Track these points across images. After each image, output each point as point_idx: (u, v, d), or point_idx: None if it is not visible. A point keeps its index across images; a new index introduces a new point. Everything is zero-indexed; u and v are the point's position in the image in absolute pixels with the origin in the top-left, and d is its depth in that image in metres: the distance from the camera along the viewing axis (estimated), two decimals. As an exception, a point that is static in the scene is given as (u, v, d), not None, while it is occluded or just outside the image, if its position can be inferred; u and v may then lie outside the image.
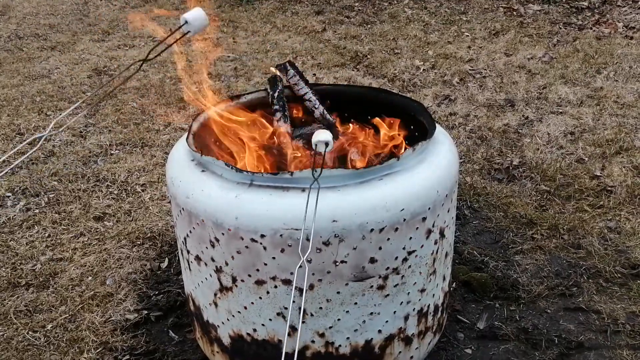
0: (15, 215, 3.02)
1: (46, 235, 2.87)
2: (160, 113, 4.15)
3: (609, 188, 3.09)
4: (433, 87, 4.49)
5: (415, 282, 1.74)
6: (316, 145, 1.49)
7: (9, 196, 3.19)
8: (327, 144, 1.49)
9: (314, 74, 4.77)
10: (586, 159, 3.39)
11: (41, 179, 3.33)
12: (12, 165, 3.07)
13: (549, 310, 2.33)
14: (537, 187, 3.15)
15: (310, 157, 1.85)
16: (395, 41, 5.52)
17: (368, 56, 5.16)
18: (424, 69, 4.85)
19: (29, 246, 2.79)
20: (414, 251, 1.68)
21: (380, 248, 1.60)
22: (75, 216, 3.00)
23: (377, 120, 2.00)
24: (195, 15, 1.69)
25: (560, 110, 4.02)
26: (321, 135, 1.49)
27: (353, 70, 4.93)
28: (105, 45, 5.66)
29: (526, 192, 3.10)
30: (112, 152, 3.64)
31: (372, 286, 1.65)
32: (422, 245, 1.70)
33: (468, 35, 5.62)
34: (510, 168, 3.34)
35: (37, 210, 3.06)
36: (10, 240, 2.83)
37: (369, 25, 5.99)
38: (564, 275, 2.50)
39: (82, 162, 3.52)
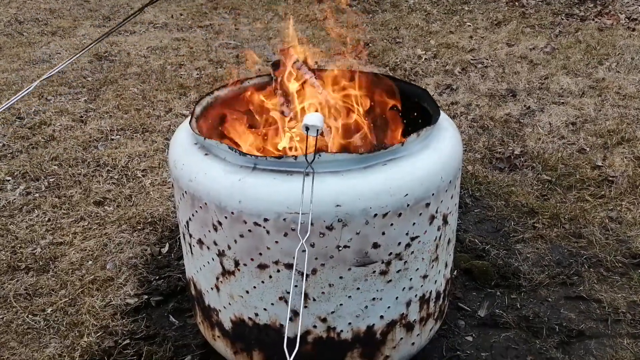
0: (15, 199, 3.01)
1: (46, 219, 2.86)
2: (161, 99, 4.13)
3: (611, 178, 3.09)
4: (435, 77, 4.47)
5: (418, 268, 1.73)
6: (307, 128, 1.48)
7: (9, 180, 3.18)
8: (317, 129, 1.48)
9: (316, 62, 4.75)
10: (588, 149, 3.39)
11: (41, 163, 3.32)
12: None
13: (550, 299, 2.33)
14: (538, 176, 3.14)
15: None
16: (397, 30, 5.50)
17: (370, 45, 5.14)
18: (425, 58, 4.84)
19: (28, 230, 2.78)
20: (417, 237, 1.67)
21: (383, 233, 1.60)
22: (76, 201, 2.99)
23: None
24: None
25: (562, 101, 4.01)
26: (310, 119, 1.48)
27: (355, 59, 4.90)
28: (106, 30, 5.62)
29: (527, 182, 3.10)
30: (113, 137, 3.63)
31: (374, 271, 1.65)
32: (425, 231, 1.69)
33: (470, 25, 5.59)
34: (512, 157, 3.33)
35: (37, 195, 3.05)
36: (10, 224, 2.82)
37: (371, 14, 5.96)
38: (565, 264, 2.50)
39: (82, 147, 3.50)
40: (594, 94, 4.08)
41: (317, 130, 1.57)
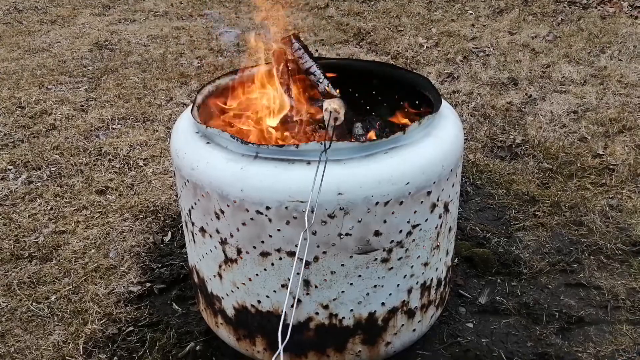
0: (17, 188, 3.02)
1: (48, 208, 2.87)
2: (162, 88, 4.13)
3: (611, 166, 3.09)
4: (436, 65, 4.46)
5: (419, 256, 1.74)
6: (330, 113, 1.48)
7: (11, 169, 3.19)
8: (337, 117, 1.49)
9: (317, 50, 4.74)
10: (589, 137, 3.39)
11: (43, 152, 3.32)
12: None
13: (550, 286, 2.34)
14: (539, 165, 3.14)
15: (315, 130, 1.85)
16: (399, 18, 5.48)
17: (371, 33, 5.13)
18: (427, 47, 4.82)
19: (31, 219, 2.79)
20: (418, 225, 1.68)
21: (385, 221, 1.61)
22: (78, 189, 3.00)
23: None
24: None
25: (564, 89, 4.00)
26: (333, 104, 1.48)
27: (356, 47, 4.89)
28: (106, 19, 5.61)
29: (529, 170, 3.10)
30: (114, 126, 3.63)
31: (376, 259, 1.66)
32: (427, 219, 1.70)
33: (472, 14, 5.57)
34: (513, 146, 3.33)
35: (39, 184, 3.06)
36: (13, 213, 2.83)
37: (372, 2, 5.93)
38: (565, 252, 2.52)
39: (83, 136, 3.51)
40: (596, 82, 4.07)
41: (337, 117, 1.57)
